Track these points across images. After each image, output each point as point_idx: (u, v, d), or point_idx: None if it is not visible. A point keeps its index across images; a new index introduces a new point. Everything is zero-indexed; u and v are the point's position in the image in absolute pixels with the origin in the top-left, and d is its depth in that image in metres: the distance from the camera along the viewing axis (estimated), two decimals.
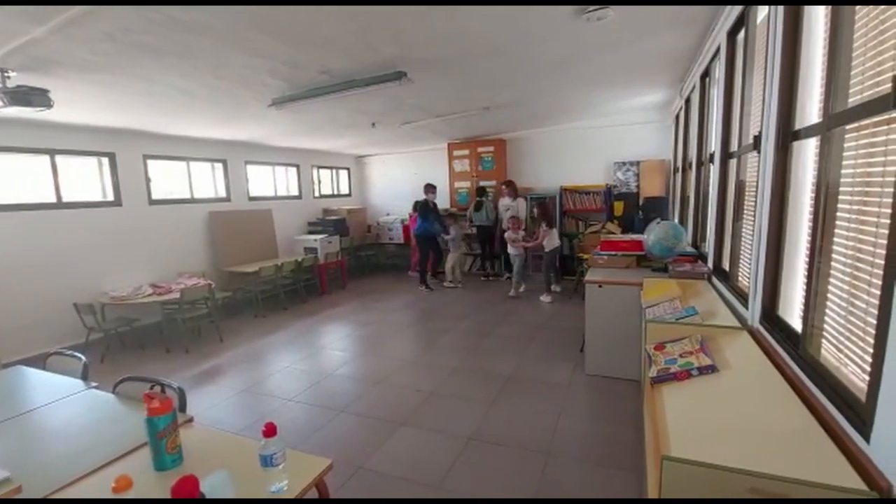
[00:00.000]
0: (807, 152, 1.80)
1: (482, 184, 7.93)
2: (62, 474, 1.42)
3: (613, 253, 4.13)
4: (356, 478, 2.49)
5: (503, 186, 7.13)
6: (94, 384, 2.12)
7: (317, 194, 8.79)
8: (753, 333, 2.09)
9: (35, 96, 2.98)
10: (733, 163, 2.92)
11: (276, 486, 1.24)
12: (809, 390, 1.50)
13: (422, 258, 7.31)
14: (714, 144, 3.40)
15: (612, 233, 6.23)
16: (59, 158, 4.87)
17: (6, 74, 2.89)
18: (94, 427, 1.76)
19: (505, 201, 7.05)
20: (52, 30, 2.32)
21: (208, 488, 1.07)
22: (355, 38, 2.83)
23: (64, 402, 1.97)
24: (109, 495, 0.97)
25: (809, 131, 1.70)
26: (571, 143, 7.59)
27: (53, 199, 4.84)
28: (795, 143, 1.85)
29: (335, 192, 9.41)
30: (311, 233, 7.88)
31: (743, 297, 2.43)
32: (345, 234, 8.15)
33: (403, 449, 2.76)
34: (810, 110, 1.75)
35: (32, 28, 2.30)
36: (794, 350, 1.69)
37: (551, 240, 6.12)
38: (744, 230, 2.64)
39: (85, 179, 5.21)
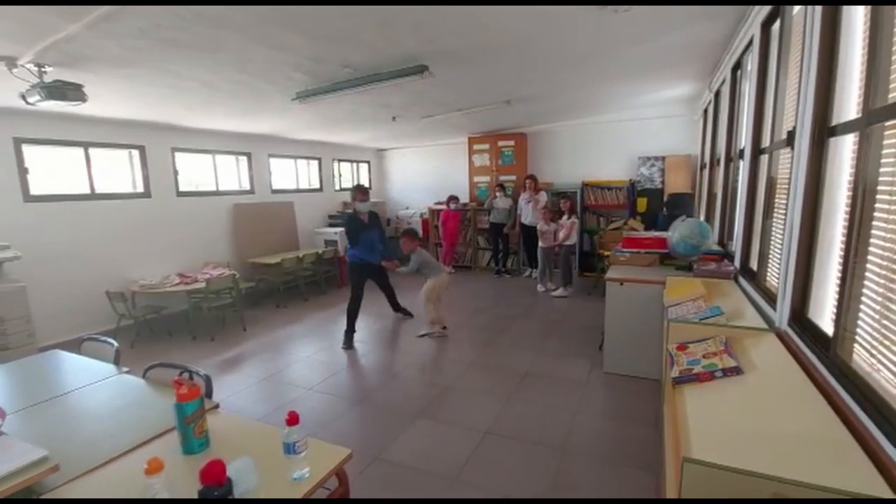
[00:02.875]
0: (843, 149, 1.73)
1: (502, 179, 7.89)
2: (96, 455, 1.49)
3: (636, 250, 4.06)
4: (373, 467, 2.53)
5: (526, 180, 7.04)
6: (125, 369, 2.21)
7: (337, 187, 8.88)
8: (781, 336, 2.03)
9: (70, 91, 3.08)
10: (764, 159, 2.83)
11: (299, 473, 1.28)
12: (839, 395, 1.45)
13: (352, 303, 4.63)
14: (744, 140, 3.30)
15: (635, 229, 6.13)
16: (92, 151, 5.04)
17: (43, 70, 3.00)
18: (125, 410, 1.84)
19: (526, 195, 6.99)
20: (86, 26, 2.39)
21: (234, 473, 1.11)
22: (376, 32, 2.84)
23: (97, 385, 2.05)
24: (142, 477, 1.01)
25: (847, 127, 1.63)
26: (594, 137, 7.47)
27: (87, 191, 5.01)
28: (832, 140, 1.78)
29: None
30: (331, 225, 7.96)
31: (771, 298, 2.37)
32: None
33: (419, 441, 2.79)
34: (848, 105, 1.68)
35: (68, 24, 2.37)
36: (824, 353, 1.64)
37: (574, 234, 6.11)
38: (774, 229, 2.57)
39: (117, 171, 5.38)
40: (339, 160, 8.91)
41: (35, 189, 4.58)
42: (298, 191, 7.95)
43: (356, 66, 3.47)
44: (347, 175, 9.28)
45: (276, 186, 7.46)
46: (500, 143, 7.90)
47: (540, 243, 6.44)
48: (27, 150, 4.53)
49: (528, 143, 7.93)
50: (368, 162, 9.75)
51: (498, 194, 7.43)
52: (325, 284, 6.94)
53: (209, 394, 1.84)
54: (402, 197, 9.74)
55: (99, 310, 4.83)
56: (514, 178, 7.83)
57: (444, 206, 7.97)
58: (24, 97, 3.09)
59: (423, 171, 9.37)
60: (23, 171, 4.49)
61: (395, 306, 5.51)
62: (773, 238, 2.57)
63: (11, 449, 1.37)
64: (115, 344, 2.38)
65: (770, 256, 2.61)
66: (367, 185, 4.83)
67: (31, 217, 4.53)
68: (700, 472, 1.19)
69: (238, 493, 1.14)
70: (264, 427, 1.66)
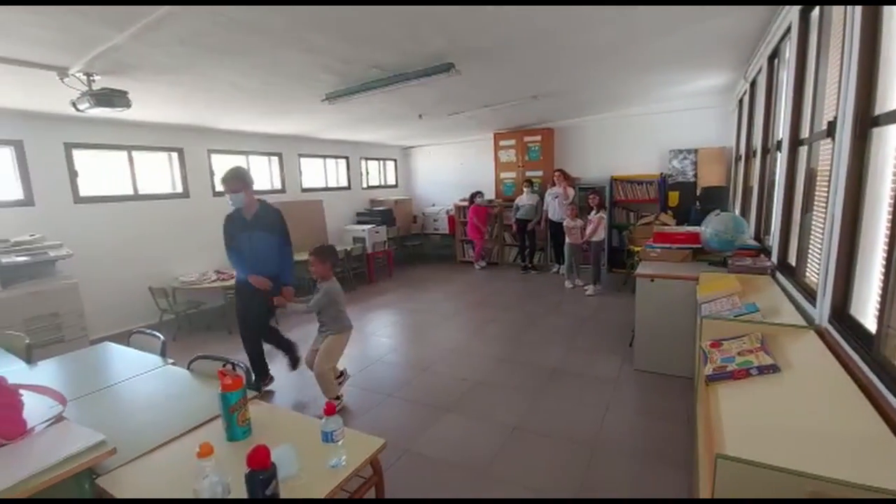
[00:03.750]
0: (887, 140, 1.66)
1: (528, 174, 7.84)
2: (148, 440, 1.60)
3: (667, 245, 3.98)
4: (403, 459, 2.59)
5: (555, 174, 6.97)
6: (171, 361, 2.33)
7: (364, 185, 9.02)
8: (821, 333, 1.97)
9: (116, 97, 3.25)
10: (803, 150, 2.73)
11: (336, 461, 1.33)
12: (882, 395, 1.41)
13: (244, 343, 3.55)
14: (782, 131, 3.19)
15: (666, 224, 5.98)
16: (134, 154, 5.29)
17: (92, 78, 3.18)
18: (172, 399, 1.95)
19: (553, 190, 6.92)
20: (131, 36, 2.52)
21: (276, 458, 1.17)
22: (403, 31, 2.88)
23: (146, 375, 2.18)
24: (192, 460, 1.09)
25: (891, 117, 1.57)
26: (623, 130, 7.32)
27: (131, 192, 5.27)
28: (875, 130, 1.71)
29: (382, 184, 9.61)
30: (359, 223, 8.10)
31: (810, 295, 2.29)
32: (391, 224, 8.31)
33: (449, 434, 2.83)
34: (891, 95, 1.61)
35: (115, 35, 2.51)
36: (866, 352, 1.59)
37: (602, 230, 6.04)
38: (814, 223, 2.48)
39: (157, 173, 5.63)
40: (367, 158, 9.04)
41: (84, 191, 4.85)
42: (327, 189, 8.11)
43: (384, 66, 3.53)
44: (375, 173, 9.41)
45: (305, 185, 7.65)
46: (527, 139, 7.85)
47: (567, 239, 6.38)
48: (77, 154, 4.80)
49: (554, 138, 7.84)
50: (395, 160, 9.86)
51: (525, 189, 7.39)
52: (353, 280, 7.08)
53: (250, 385, 1.93)
54: (428, 194, 9.80)
55: (143, 305, 5.09)
56: (540, 173, 7.77)
57: (469, 203, 7.99)
58: (74, 104, 3.28)
59: (449, 168, 9.41)
60: (73, 174, 4.76)
61: (294, 360, 3.71)
62: (813, 232, 2.49)
63: (73, 433, 1.48)
64: (162, 337, 2.52)
65: (810, 251, 2.52)
66: (244, 171, 3.49)
67: (80, 217, 4.80)
68: (734, 470, 1.18)
69: (280, 477, 1.21)
70: (302, 417, 1.73)
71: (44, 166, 4.52)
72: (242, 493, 1.09)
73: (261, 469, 1.07)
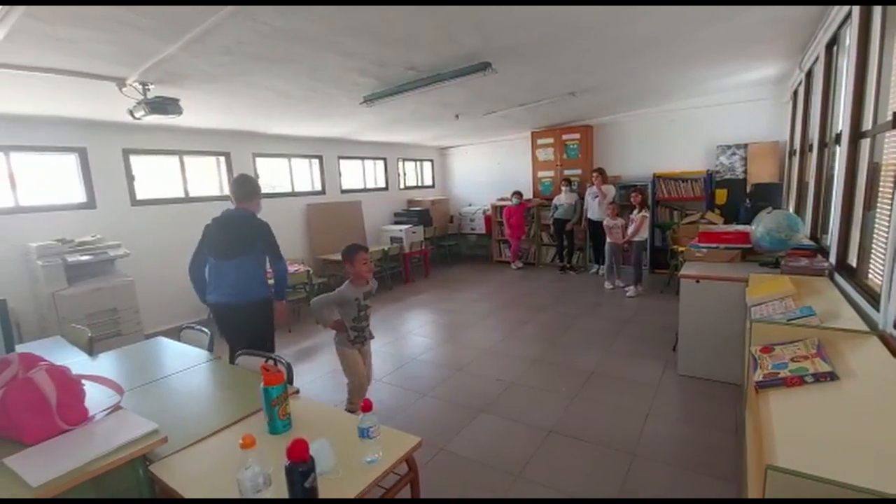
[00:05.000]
0: None
1: (567, 173, 7.69)
2: (196, 430, 1.68)
3: (714, 245, 3.80)
4: (438, 458, 2.60)
5: (593, 173, 6.80)
6: (217, 355, 2.45)
7: (402, 186, 9.13)
8: (885, 339, 1.83)
9: (169, 105, 3.44)
10: (866, 143, 2.54)
11: (371, 457, 1.36)
12: None
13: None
14: (841, 123, 2.98)
15: (713, 223, 5.72)
16: (185, 158, 5.59)
17: (147, 87, 3.38)
18: (218, 392, 2.04)
19: (593, 189, 6.75)
20: (181, 47, 2.67)
21: (314, 453, 1.20)
22: (438, 32, 2.90)
23: (194, 369, 2.30)
24: (237, 451, 1.13)
25: None
26: (666, 126, 7.06)
27: (182, 195, 5.57)
28: None
29: (419, 184, 9.70)
30: (396, 223, 8.21)
31: (873, 298, 2.13)
32: (428, 224, 8.37)
33: (483, 435, 2.82)
34: None
35: (166, 47, 2.66)
36: None
37: (645, 229, 5.85)
38: (877, 221, 2.30)
39: (206, 177, 5.92)
40: (404, 160, 9.15)
41: (140, 194, 5.17)
42: (366, 190, 8.27)
43: (419, 67, 3.56)
44: (412, 174, 9.51)
45: (345, 186, 7.83)
46: (565, 137, 7.71)
47: (608, 239, 6.22)
48: (133, 159, 5.11)
49: (593, 135, 7.66)
50: (432, 160, 9.93)
51: (563, 188, 7.25)
52: (390, 280, 7.18)
53: (290, 380, 2.00)
54: (465, 194, 9.81)
55: (192, 302, 5.31)
56: (579, 171, 7.61)
57: (507, 203, 7.93)
58: (131, 112, 3.50)
59: (485, 168, 9.38)
60: (130, 179, 5.08)
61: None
62: (876, 231, 2.31)
63: (129, 421, 1.58)
64: (209, 332, 2.65)
65: (873, 251, 2.34)
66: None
67: (136, 219, 5.11)
68: (786, 482, 1.11)
69: (317, 471, 1.24)
70: (341, 413, 1.77)
71: (104, 171, 4.85)
72: (283, 485, 1.13)
73: (300, 462, 1.11)
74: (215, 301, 2.88)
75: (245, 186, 3.05)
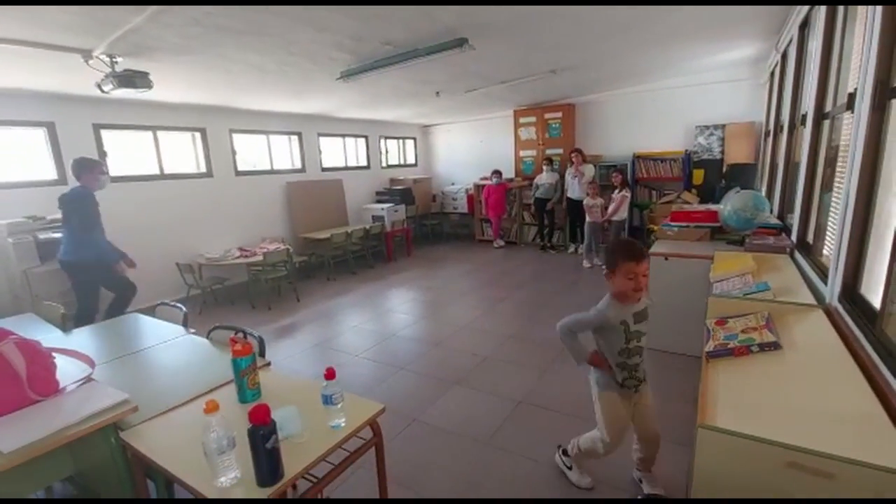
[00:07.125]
0: None
1: (549, 152, 7.72)
2: (168, 400, 1.72)
3: (684, 224, 3.91)
4: (410, 428, 2.69)
5: (571, 154, 6.85)
6: (192, 331, 2.47)
7: (384, 164, 9.06)
8: (829, 312, 1.94)
9: (138, 78, 3.35)
10: (827, 124, 2.62)
11: (336, 423, 1.42)
12: (881, 373, 1.40)
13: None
14: (808, 104, 3.05)
15: (688, 203, 5.83)
16: (159, 134, 5.46)
17: (114, 60, 3.28)
18: (192, 365, 2.08)
19: (571, 170, 6.81)
20: (147, 18, 2.59)
21: (280, 418, 1.25)
22: (414, 8, 2.86)
23: (169, 343, 2.32)
24: (202, 416, 1.18)
25: None
26: (647, 106, 7.10)
27: (157, 172, 5.46)
28: (895, 102, 1.64)
29: (402, 162, 9.63)
30: (378, 202, 8.18)
31: (824, 273, 2.24)
32: (410, 203, 8.36)
33: (455, 406, 2.92)
34: None
35: (132, 17, 2.58)
36: (869, 330, 1.56)
37: (625, 209, 5.96)
38: (833, 200, 2.40)
39: (181, 153, 5.80)
40: (386, 137, 9.05)
41: (113, 171, 5.05)
42: (347, 168, 8.20)
43: (396, 42, 3.52)
44: (394, 152, 9.43)
45: (325, 165, 7.74)
46: (547, 116, 7.71)
47: (587, 218, 6.31)
48: (105, 134, 4.98)
49: (575, 114, 7.67)
50: (414, 138, 9.84)
51: (545, 168, 7.29)
52: (371, 258, 7.20)
53: (262, 353, 2.04)
54: (447, 173, 9.79)
55: (172, 280, 5.32)
56: (561, 151, 7.64)
57: (488, 181, 7.95)
58: (99, 86, 3.40)
59: (468, 147, 9.35)
60: (102, 155, 4.95)
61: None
62: (831, 210, 2.41)
63: (100, 392, 1.61)
64: (184, 309, 2.66)
65: (827, 230, 2.45)
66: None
67: (110, 196, 5.00)
68: (714, 440, 1.21)
69: (283, 435, 1.30)
70: (310, 383, 1.82)
71: (74, 147, 4.71)
72: (246, 447, 1.18)
73: (261, 425, 1.16)
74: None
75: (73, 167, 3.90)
